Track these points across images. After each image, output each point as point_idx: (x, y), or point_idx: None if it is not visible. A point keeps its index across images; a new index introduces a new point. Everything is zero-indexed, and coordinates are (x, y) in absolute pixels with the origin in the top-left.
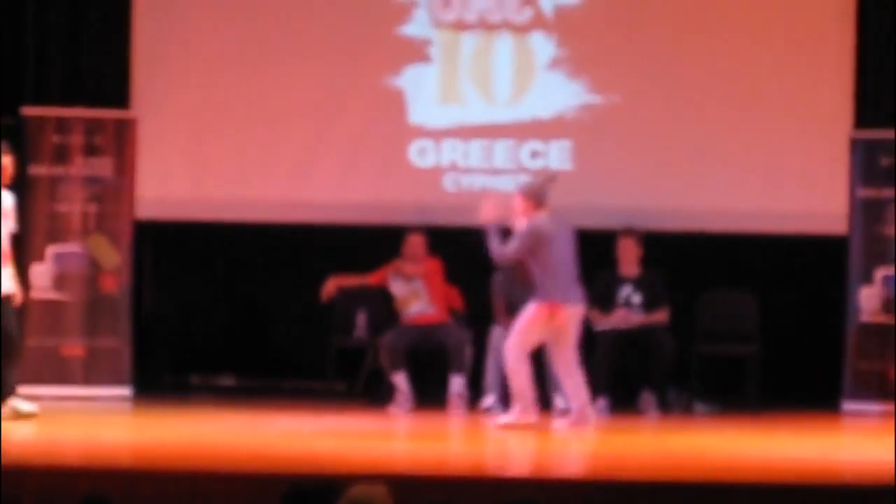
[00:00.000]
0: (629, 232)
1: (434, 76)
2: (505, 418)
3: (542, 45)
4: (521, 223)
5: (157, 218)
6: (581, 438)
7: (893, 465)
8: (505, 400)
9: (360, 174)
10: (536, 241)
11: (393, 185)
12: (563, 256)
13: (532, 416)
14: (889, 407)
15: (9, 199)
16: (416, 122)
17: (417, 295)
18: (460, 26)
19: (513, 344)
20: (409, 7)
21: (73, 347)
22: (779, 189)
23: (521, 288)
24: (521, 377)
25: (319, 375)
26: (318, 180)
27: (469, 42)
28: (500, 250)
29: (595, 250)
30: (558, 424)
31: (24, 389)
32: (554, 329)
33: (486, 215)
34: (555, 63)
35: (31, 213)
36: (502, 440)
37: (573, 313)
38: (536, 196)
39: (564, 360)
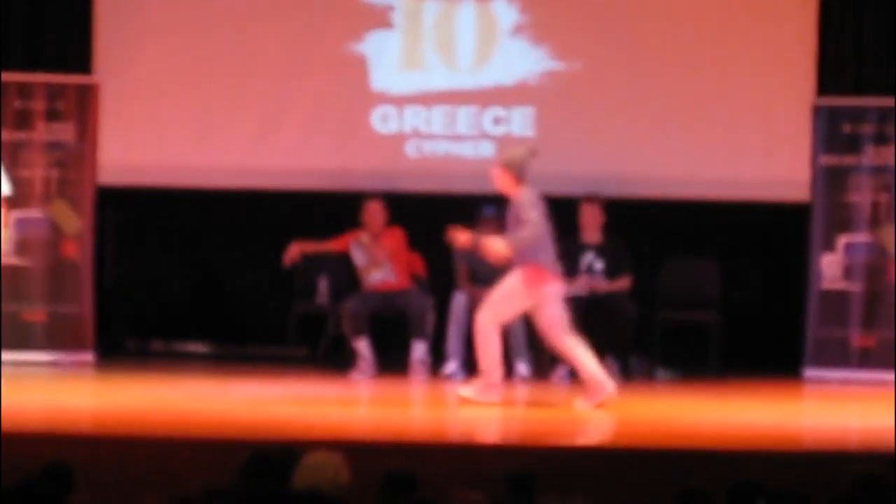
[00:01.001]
0: (591, 199)
1: (396, 42)
2: (467, 390)
3: (505, 12)
4: (515, 198)
5: (119, 184)
6: (540, 405)
7: (854, 432)
8: (467, 366)
9: (322, 140)
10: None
11: (355, 151)
12: (548, 231)
13: (495, 395)
14: (850, 374)
15: None
16: (379, 88)
17: (379, 262)
18: None
19: (488, 313)
20: None
21: (35, 313)
22: (741, 156)
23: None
24: (491, 350)
25: (281, 341)
26: (279, 146)
27: (432, 8)
28: (517, 241)
29: (557, 217)
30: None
31: None
32: (536, 298)
33: (459, 244)
34: (517, 29)
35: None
36: (463, 406)
37: (556, 288)
38: (519, 170)
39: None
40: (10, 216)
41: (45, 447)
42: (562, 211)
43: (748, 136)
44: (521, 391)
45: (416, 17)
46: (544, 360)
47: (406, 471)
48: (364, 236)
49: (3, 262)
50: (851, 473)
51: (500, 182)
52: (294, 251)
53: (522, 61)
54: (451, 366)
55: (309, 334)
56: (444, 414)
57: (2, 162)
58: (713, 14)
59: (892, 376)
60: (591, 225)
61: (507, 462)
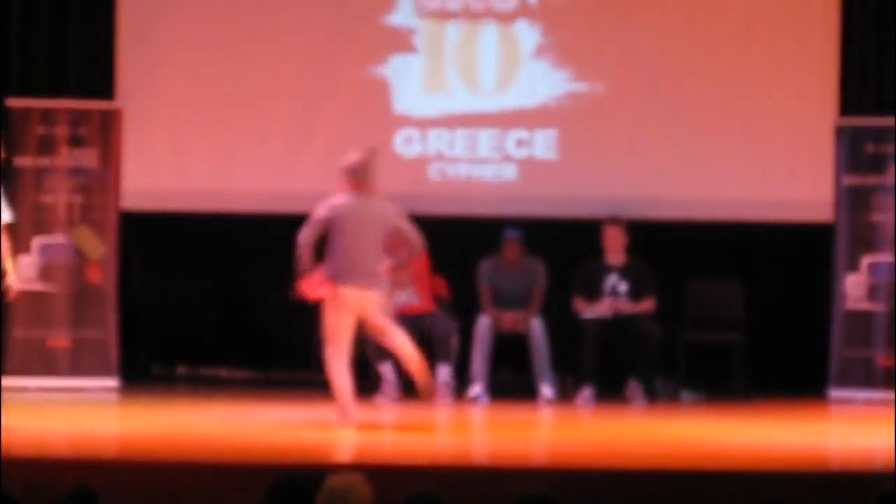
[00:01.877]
0: (615, 220)
1: (419, 65)
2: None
3: (527, 34)
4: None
5: (142, 209)
6: (565, 427)
7: (879, 452)
8: (492, 389)
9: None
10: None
11: (378, 174)
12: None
13: (351, 420)
14: (875, 394)
15: None
16: (402, 111)
17: (402, 285)
18: (445, 15)
19: (325, 344)
20: None
21: (60, 339)
22: (764, 177)
23: (508, 277)
24: (336, 379)
25: (306, 366)
26: (303, 170)
27: (454, 31)
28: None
29: (580, 239)
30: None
31: (9, 381)
32: (349, 311)
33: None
34: (540, 51)
35: (17, 205)
36: (489, 430)
37: (359, 296)
38: (359, 175)
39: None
40: (13, 243)
41: (70, 473)
42: (585, 233)
43: (771, 157)
44: (547, 413)
45: (439, 39)
46: (569, 383)
47: (430, 494)
48: (388, 259)
49: (17, 288)
50: (876, 493)
51: (341, 185)
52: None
53: (545, 83)
54: (476, 389)
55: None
56: (469, 437)
57: (22, 189)
58: (735, 36)
59: None
60: (615, 247)
61: (533, 485)
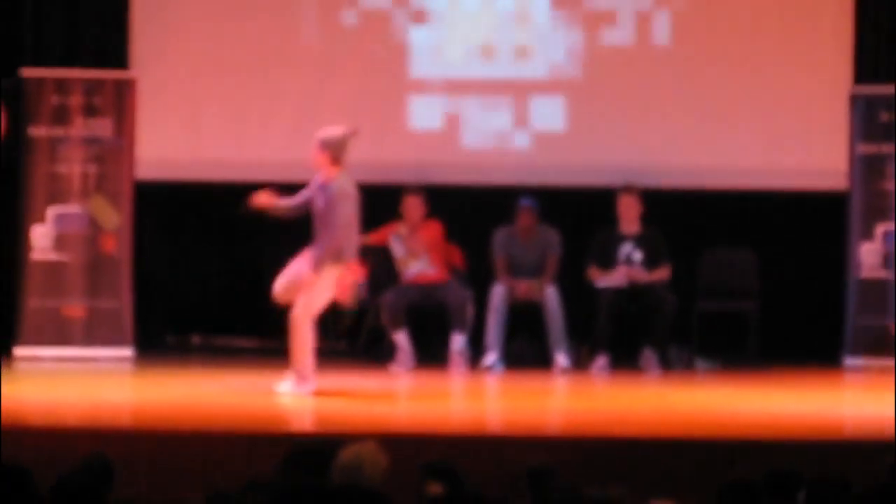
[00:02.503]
0: (629, 189)
1: (432, 33)
2: (284, 386)
3: (542, 1)
4: (328, 182)
5: (157, 178)
6: (579, 396)
7: (894, 421)
8: (506, 357)
9: (360, 132)
10: (333, 199)
11: (392, 143)
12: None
13: (311, 385)
14: (889, 362)
15: None
16: (416, 79)
17: (417, 255)
18: None
19: (304, 311)
20: None
21: (74, 308)
22: (779, 145)
23: (522, 245)
24: (307, 344)
25: (320, 335)
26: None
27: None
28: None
29: (595, 208)
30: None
31: (24, 350)
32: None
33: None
34: (554, 19)
35: (32, 175)
36: (503, 398)
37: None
38: (336, 150)
39: None
40: None
41: (84, 442)
42: (598, 202)
43: (785, 125)
44: (561, 382)
45: (454, 5)
46: (583, 352)
47: (446, 463)
48: (402, 229)
49: (38, 257)
50: (888, 461)
51: (316, 161)
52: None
53: (559, 52)
54: (491, 357)
55: (348, 328)
56: (484, 406)
57: (37, 159)
58: (750, 3)
59: None
60: (630, 216)
61: (546, 453)
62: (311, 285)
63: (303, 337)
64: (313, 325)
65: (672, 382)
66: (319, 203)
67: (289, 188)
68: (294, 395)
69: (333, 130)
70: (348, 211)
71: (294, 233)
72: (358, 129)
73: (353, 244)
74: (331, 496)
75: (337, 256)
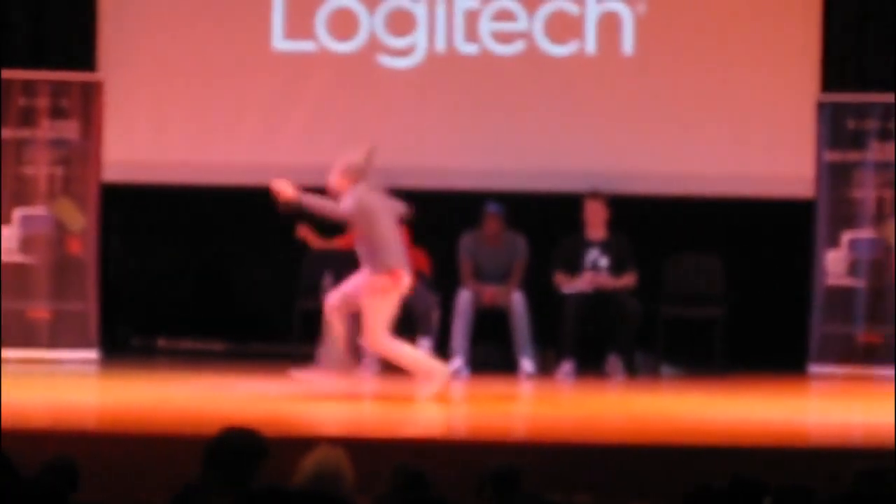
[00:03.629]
0: (595, 195)
1: (404, 40)
2: (424, 391)
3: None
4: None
5: (123, 181)
6: (545, 402)
7: (858, 428)
8: (472, 363)
9: (326, 136)
10: (364, 214)
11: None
12: (390, 226)
13: (444, 373)
14: (854, 370)
15: None
16: (384, 84)
17: None
18: None
19: (374, 334)
20: None
21: (40, 310)
22: (746, 152)
23: (489, 251)
24: (405, 354)
25: (285, 338)
26: (284, 142)
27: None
28: (334, 207)
29: (561, 213)
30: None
31: None
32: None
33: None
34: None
35: None
36: (469, 403)
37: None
38: (356, 175)
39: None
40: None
41: (49, 444)
42: (564, 207)
43: (752, 132)
44: (527, 388)
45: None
46: (549, 357)
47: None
48: None
49: (4, 259)
50: (853, 469)
51: (338, 187)
52: (303, 231)
53: None
54: (457, 362)
55: (314, 331)
56: (449, 410)
57: (3, 160)
58: (717, 10)
59: None
60: (596, 221)
61: (511, 458)
62: (368, 310)
63: (396, 355)
64: (389, 336)
65: (637, 388)
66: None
67: (256, 193)
68: (434, 394)
69: (355, 155)
70: (382, 224)
71: (260, 236)
72: (375, 145)
73: (394, 253)
74: (295, 499)
75: (384, 268)
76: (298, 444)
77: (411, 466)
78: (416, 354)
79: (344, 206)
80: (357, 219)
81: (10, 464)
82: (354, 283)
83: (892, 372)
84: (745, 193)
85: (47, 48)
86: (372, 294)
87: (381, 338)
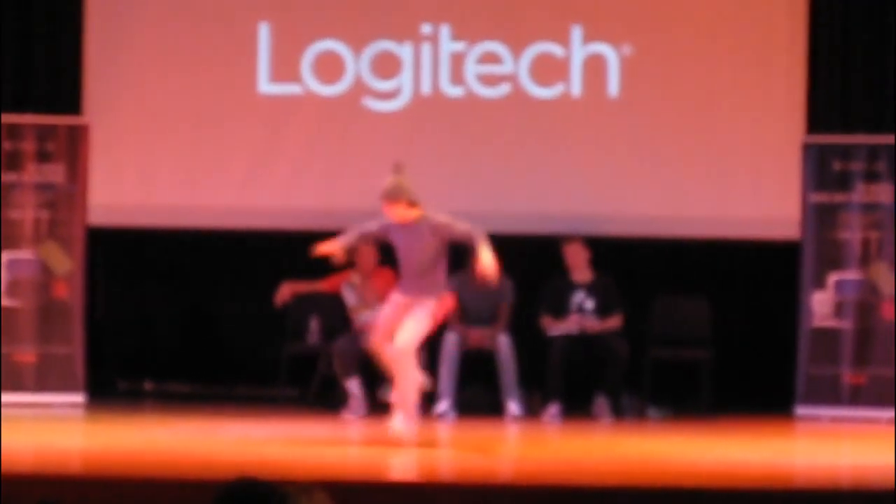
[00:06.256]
0: (572, 238)
1: (389, 83)
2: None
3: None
4: (418, 221)
5: (109, 224)
6: (531, 444)
7: (845, 470)
8: (458, 405)
9: (312, 179)
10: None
11: (345, 190)
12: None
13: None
14: (841, 412)
15: None
16: (370, 127)
17: (369, 303)
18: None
19: (413, 341)
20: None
21: (25, 354)
22: (731, 194)
23: (475, 293)
24: (417, 380)
25: (272, 382)
26: (270, 186)
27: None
28: (462, 231)
29: (547, 256)
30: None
31: None
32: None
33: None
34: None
35: None
36: (455, 446)
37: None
38: (407, 195)
39: None
40: None
41: (35, 489)
42: (552, 249)
43: (738, 173)
44: (513, 430)
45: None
46: (535, 400)
47: None
48: (355, 277)
49: None
50: None
51: (396, 215)
52: (285, 291)
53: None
54: (443, 405)
55: (300, 374)
56: (435, 454)
57: None
58: (702, 51)
59: (883, 414)
60: (578, 263)
61: (496, 502)
62: (419, 321)
63: (408, 371)
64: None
65: (624, 431)
66: (406, 243)
67: (242, 236)
68: (407, 433)
69: (398, 179)
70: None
71: (246, 279)
72: (400, 162)
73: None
74: None
75: (440, 290)
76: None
77: None
78: (415, 390)
79: (459, 224)
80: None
81: None
82: (401, 313)
83: (879, 413)
84: (730, 235)
85: (33, 92)
86: (433, 315)
87: (413, 347)
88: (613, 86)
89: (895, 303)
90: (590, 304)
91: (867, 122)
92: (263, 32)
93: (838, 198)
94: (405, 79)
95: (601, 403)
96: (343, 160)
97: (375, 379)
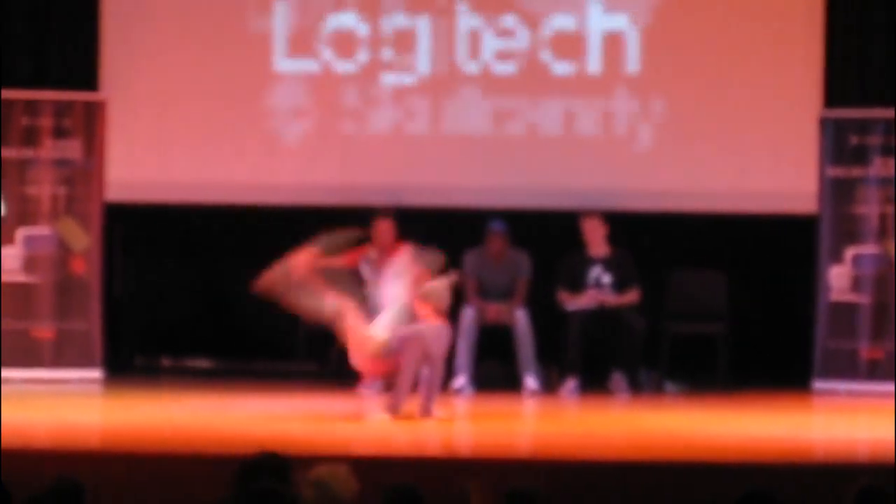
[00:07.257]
0: (590, 213)
1: (401, 56)
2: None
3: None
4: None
5: (126, 200)
6: (549, 419)
7: (863, 444)
8: (476, 380)
9: (329, 154)
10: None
11: (363, 166)
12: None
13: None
14: (858, 386)
15: None
16: (389, 96)
17: (385, 278)
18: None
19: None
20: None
21: (43, 330)
22: (748, 168)
23: (492, 269)
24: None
25: (290, 356)
26: (286, 162)
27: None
28: None
29: (564, 231)
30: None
31: None
32: None
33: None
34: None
35: (1, 197)
36: (473, 421)
37: None
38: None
39: None
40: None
41: (53, 464)
42: (569, 225)
43: (755, 148)
44: (531, 405)
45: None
46: (553, 374)
47: (408, 486)
48: (373, 252)
49: (7, 279)
50: (857, 485)
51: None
52: (304, 259)
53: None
54: (460, 380)
55: (317, 349)
56: (453, 428)
57: (7, 181)
58: (719, 26)
59: None
60: (596, 239)
61: (516, 477)
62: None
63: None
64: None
65: (641, 405)
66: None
67: (258, 211)
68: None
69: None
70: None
71: (264, 254)
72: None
73: None
74: None
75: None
76: (302, 463)
77: (402, 486)
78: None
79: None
80: None
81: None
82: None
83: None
84: (748, 209)
85: (50, 68)
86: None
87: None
88: (632, 62)
89: None
90: (607, 279)
91: (884, 96)
92: (280, 8)
93: (855, 172)
94: (422, 54)
95: (618, 378)
96: (359, 135)
97: None
